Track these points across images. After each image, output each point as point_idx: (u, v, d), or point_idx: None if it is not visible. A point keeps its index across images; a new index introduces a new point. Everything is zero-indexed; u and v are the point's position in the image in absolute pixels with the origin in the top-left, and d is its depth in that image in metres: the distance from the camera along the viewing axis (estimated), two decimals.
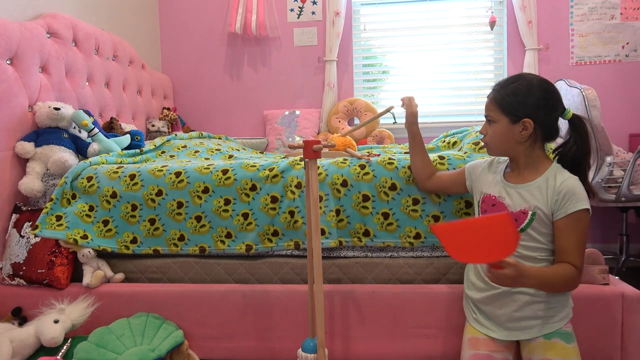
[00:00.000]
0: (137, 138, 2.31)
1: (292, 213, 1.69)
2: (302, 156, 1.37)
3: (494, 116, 1.31)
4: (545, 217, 1.27)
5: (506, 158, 1.42)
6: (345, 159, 1.75)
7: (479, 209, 1.41)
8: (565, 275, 1.21)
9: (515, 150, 1.32)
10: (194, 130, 3.19)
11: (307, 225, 1.47)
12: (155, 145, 2.39)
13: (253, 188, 1.74)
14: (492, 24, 3.22)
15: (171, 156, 2.32)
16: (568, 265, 1.22)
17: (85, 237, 1.76)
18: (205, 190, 1.76)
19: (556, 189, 1.26)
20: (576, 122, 1.31)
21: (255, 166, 1.78)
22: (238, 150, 2.78)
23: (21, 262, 1.74)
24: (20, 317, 1.72)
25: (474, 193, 1.47)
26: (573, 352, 1.28)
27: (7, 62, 1.90)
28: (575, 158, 1.31)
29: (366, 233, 1.68)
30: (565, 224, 1.24)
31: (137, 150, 2.23)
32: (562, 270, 1.21)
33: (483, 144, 1.42)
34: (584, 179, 1.29)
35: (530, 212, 1.28)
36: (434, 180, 1.59)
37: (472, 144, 1.82)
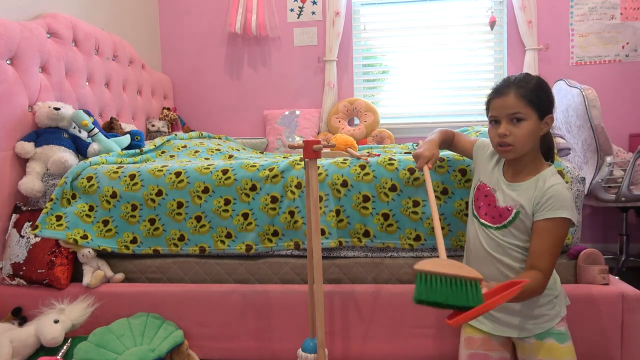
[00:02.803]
0: (137, 138, 2.31)
1: (292, 213, 1.69)
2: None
3: (525, 113, 1.23)
4: (527, 217, 1.27)
5: None
6: (345, 159, 1.75)
7: (473, 195, 1.42)
8: (529, 291, 1.15)
9: (531, 149, 1.29)
10: (194, 130, 3.19)
11: (307, 225, 1.47)
12: (155, 145, 2.39)
13: (253, 188, 1.74)
14: (492, 24, 3.22)
15: (171, 156, 2.32)
16: (531, 273, 1.18)
17: (85, 237, 1.76)
18: (205, 190, 1.76)
19: (543, 191, 1.24)
20: None
21: (255, 166, 1.78)
22: (238, 150, 2.78)
23: (21, 262, 1.74)
24: (20, 317, 1.72)
25: (474, 173, 1.47)
26: (567, 351, 1.28)
27: (7, 62, 1.90)
28: (547, 147, 1.35)
29: (366, 234, 1.68)
30: (542, 227, 1.22)
31: (137, 150, 2.23)
32: (527, 285, 1.10)
33: (503, 146, 1.28)
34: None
35: (514, 210, 1.28)
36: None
37: None
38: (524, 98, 1.23)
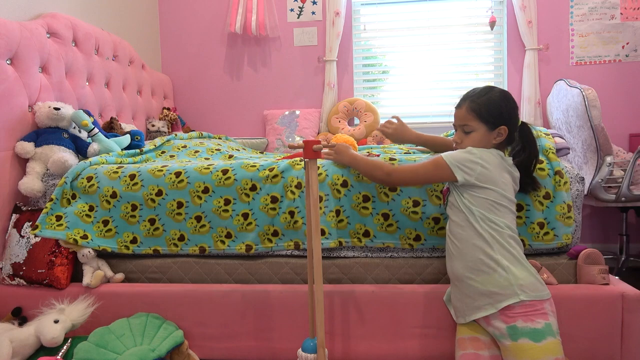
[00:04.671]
0: (137, 138, 2.31)
1: (292, 213, 1.69)
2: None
3: (473, 125, 1.41)
4: (454, 188, 1.41)
5: None
6: None
7: None
8: (374, 164, 1.49)
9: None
10: (194, 130, 3.19)
11: (307, 226, 1.47)
12: (155, 145, 2.38)
13: (253, 188, 1.74)
14: (492, 24, 3.22)
15: (171, 156, 2.32)
16: (384, 163, 1.49)
17: (85, 237, 1.76)
18: (205, 190, 1.76)
19: None
20: (525, 129, 1.46)
21: (255, 166, 1.78)
22: (238, 150, 2.78)
23: (21, 262, 1.74)
24: (20, 317, 1.72)
25: None
26: (543, 350, 1.23)
27: (7, 62, 1.90)
28: (527, 161, 1.46)
29: (366, 234, 1.68)
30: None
31: (137, 150, 2.23)
32: (377, 162, 1.50)
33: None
34: (532, 179, 1.50)
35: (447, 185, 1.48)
36: None
37: None
38: (473, 111, 1.40)
